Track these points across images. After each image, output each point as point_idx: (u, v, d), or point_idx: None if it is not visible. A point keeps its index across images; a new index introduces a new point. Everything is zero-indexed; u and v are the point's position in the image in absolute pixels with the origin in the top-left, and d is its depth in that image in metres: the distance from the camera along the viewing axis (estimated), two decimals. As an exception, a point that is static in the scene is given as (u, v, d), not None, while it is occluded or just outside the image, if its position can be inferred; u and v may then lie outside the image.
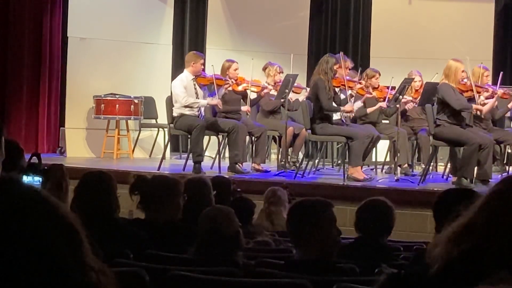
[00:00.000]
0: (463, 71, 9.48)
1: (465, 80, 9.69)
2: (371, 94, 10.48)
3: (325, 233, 3.90)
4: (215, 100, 10.14)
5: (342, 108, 9.88)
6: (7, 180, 1.12)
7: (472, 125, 9.68)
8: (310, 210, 3.95)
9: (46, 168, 4.57)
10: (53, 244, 1.06)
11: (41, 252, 1.05)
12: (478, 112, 9.66)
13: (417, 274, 1.95)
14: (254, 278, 3.88)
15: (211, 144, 11.49)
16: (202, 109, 10.32)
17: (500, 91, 10.01)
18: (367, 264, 4.08)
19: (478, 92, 9.69)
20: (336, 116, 10.11)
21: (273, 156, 12.19)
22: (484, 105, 9.66)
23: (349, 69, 10.51)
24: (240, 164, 10.11)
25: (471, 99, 9.55)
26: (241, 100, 10.77)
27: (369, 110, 10.82)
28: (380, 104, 10.71)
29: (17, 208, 1.07)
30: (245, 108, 10.60)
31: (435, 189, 8.91)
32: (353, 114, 10.48)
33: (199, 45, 13.29)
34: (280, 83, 10.61)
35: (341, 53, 10.18)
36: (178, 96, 10.12)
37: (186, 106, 10.09)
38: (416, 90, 10.91)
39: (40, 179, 4.26)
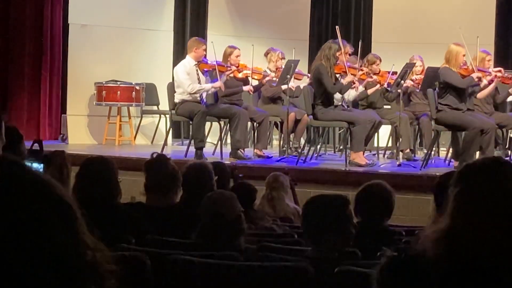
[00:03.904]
0: (464, 55, 9.46)
1: (467, 65, 9.66)
2: (372, 78, 10.45)
3: (342, 230, 3.92)
4: (218, 83, 10.15)
5: (342, 81, 9.78)
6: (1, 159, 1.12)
7: (474, 109, 9.67)
8: (326, 207, 3.96)
9: (47, 154, 4.57)
10: (47, 221, 1.06)
11: (36, 229, 1.05)
12: (475, 101, 9.61)
13: (417, 257, 1.96)
14: (256, 262, 3.88)
15: (212, 130, 11.49)
16: (204, 94, 10.30)
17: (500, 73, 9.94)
18: (369, 248, 4.08)
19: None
20: (337, 102, 10.09)
21: (275, 142, 12.18)
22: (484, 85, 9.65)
23: (349, 55, 10.48)
24: (242, 150, 10.11)
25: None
26: (243, 86, 10.75)
27: (369, 91, 10.79)
28: (379, 84, 10.70)
29: (10, 185, 1.07)
30: (247, 88, 10.56)
31: (437, 174, 8.90)
32: (357, 90, 10.31)
33: (200, 31, 13.26)
34: (282, 69, 10.60)
35: (342, 39, 10.14)
36: (182, 84, 10.12)
37: (191, 94, 10.10)
38: (418, 75, 10.89)
39: (42, 165, 4.26)
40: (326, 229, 3.87)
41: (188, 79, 10.11)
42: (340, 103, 10.11)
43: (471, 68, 9.61)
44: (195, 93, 10.09)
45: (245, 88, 10.57)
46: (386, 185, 4.96)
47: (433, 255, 1.89)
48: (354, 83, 9.96)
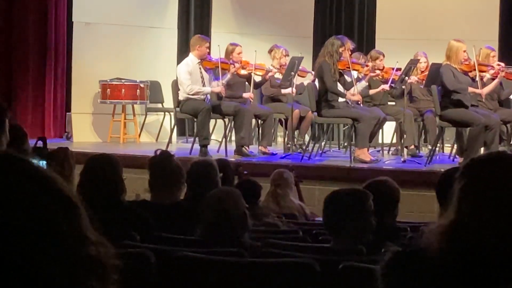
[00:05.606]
0: (464, 51, 9.43)
1: (469, 61, 9.63)
2: (375, 73, 10.41)
3: (363, 224, 3.93)
4: (219, 88, 10.14)
5: (347, 94, 9.84)
6: (2, 154, 1.11)
7: (478, 105, 9.66)
8: (349, 201, 3.97)
9: (51, 151, 4.57)
10: (50, 215, 1.06)
11: (38, 223, 1.05)
12: (479, 97, 9.63)
13: (422, 252, 1.96)
14: (261, 258, 3.88)
15: (217, 128, 11.49)
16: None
17: (502, 66, 9.90)
18: (374, 244, 4.07)
19: (483, 71, 9.65)
20: (341, 98, 10.08)
21: (280, 139, 12.18)
22: (484, 87, 9.63)
23: (352, 51, 10.46)
24: (246, 147, 10.11)
25: (475, 79, 9.53)
26: (246, 83, 10.74)
27: (371, 92, 10.80)
28: (382, 86, 10.70)
29: (12, 179, 1.07)
30: (247, 95, 10.54)
31: (442, 170, 8.89)
32: (360, 102, 10.38)
33: (204, 29, 13.26)
34: (286, 66, 10.60)
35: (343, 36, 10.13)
36: (182, 84, 10.14)
37: (189, 94, 10.10)
38: (422, 71, 10.89)
39: (45, 162, 4.27)
40: (347, 222, 3.90)
41: (188, 79, 10.10)
42: (344, 100, 10.10)
43: (472, 63, 9.59)
44: (193, 94, 10.09)
45: (245, 95, 10.55)
46: (390, 181, 4.93)
47: (437, 250, 1.88)
48: (360, 101, 10.03)
